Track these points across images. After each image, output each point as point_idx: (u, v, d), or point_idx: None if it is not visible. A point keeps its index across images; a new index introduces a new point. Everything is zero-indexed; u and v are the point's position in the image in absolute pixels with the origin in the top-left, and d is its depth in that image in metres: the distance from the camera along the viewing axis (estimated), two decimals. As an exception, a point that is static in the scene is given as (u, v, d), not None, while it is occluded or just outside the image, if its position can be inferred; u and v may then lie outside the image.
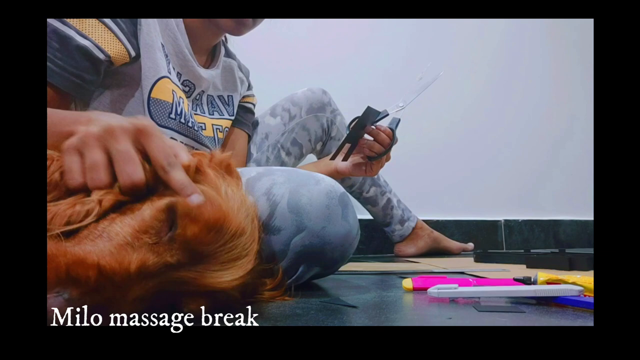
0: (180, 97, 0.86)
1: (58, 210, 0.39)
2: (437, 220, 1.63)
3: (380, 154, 0.95)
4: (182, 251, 0.38)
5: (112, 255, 0.35)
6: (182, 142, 0.87)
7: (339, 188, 0.61)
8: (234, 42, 1.15)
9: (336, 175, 1.05)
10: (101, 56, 0.72)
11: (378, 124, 0.93)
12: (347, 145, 0.92)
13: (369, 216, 1.43)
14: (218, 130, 1.01)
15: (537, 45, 1.95)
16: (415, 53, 1.71)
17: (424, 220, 1.48)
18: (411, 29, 1.71)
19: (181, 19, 0.88)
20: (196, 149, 0.90)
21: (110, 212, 0.40)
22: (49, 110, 0.49)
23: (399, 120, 0.92)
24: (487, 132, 1.82)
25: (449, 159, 1.74)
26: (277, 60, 1.50)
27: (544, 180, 1.89)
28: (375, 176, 1.34)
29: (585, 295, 0.48)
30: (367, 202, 1.37)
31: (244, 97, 1.11)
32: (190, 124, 0.88)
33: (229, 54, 1.07)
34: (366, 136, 0.96)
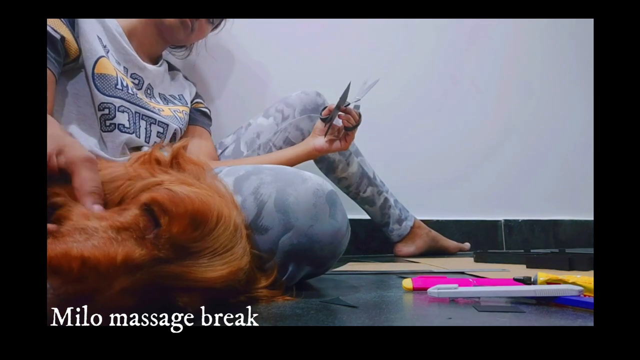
0: (122, 75, 0.91)
1: None
2: (437, 220, 1.63)
3: (354, 125, 1.10)
4: (169, 247, 0.38)
5: (95, 248, 0.35)
6: (132, 111, 0.91)
7: (327, 186, 0.61)
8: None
9: (315, 153, 1.10)
10: (57, 36, 0.80)
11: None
12: (326, 126, 1.11)
13: (368, 216, 1.43)
14: (177, 112, 1.05)
15: (539, 45, 1.96)
16: (410, 53, 1.71)
17: (423, 220, 1.48)
18: (408, 29, 1.71)
19: (118, 24, 0.94)
20: (151, 119, 0.96)
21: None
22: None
23: (359, 106, 1.12)
24: (488, 132, 1.82)
25: (449, 158, 1.74)
26: (273, 62, 1.50)
27: (544, 180, 1.89)
28: (372, 175, 1.36)
29: (585, 295, 0.48)
30: (364, 202, 1.38)
31: (195, 102, 1.15)
32: (137, 96, 0.93)
33: (172, 68, 1.14)
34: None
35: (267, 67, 1.49)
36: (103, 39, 0.90)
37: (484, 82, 1.83)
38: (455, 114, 1.77)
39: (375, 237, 1.50)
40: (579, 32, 2.00)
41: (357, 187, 1.34)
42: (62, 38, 0.81)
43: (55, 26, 0.80)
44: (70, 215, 0.40)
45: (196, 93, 1.17)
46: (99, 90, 0.86)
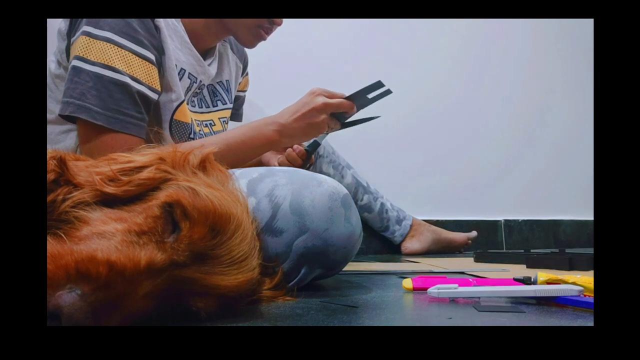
0: (193, 119, 0.91)
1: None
2: (437, 220, 1.63)
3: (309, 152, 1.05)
4: (188, 252, 0.38)
5: (119, 251, 0.35)
6: None
7: (342, 190, 0.61)
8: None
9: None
10: (154, 97, 0.80)
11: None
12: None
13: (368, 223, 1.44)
14: (225, 122, 1.04)
15: (538, 45, 1.95)
16: (409, 54, 1.71)
17: (424, 220, 1.49)
18: (406, 30, 1.71)
19: (179, 23, 0.89)
20: None
21: (99, 204, 0.41)
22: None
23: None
24: (487, 132, 1.82)
25: (449, 159, 1.74)
26: (277, 61, 1.50)
27: (544, 180, 1.89)
28: (366, 184, 1.40)
29: (585, 295, 0.48)
30: (362, 210, 1.40)
31: (239, 83, 1.13)
32: (200, 133, 0.93)
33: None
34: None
35: (276, 70, 1.48)
36: (179, 49, 0.87)
37: (485, 83, 1.83)
38: (455, 116, 1.77)
39: (375, 237, 1.50)
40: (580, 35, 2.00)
41: (354, 196, 1.36)
42: (158, 94, 0.80)
43: (151, 80, 0.78)
44: (88, 220, 0.40)
45: (244, 64, 1.13)
46: (173, 138, 0.86)
